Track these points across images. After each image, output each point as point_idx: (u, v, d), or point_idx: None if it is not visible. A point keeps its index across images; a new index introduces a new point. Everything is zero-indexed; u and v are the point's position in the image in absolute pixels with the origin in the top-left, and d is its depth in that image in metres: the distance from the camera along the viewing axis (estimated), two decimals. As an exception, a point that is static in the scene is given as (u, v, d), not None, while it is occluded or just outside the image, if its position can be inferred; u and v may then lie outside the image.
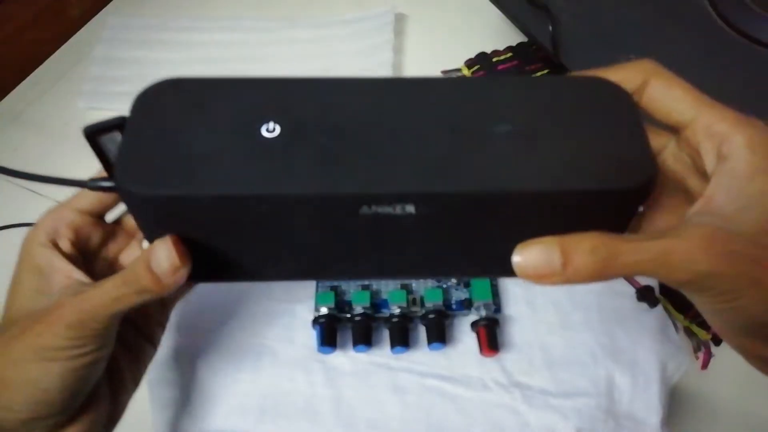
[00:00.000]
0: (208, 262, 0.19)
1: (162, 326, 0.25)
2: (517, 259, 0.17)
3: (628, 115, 0.18)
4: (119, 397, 0.23)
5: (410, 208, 0.17)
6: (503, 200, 0.17)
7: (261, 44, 0.47)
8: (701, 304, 0.18)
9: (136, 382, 0.24)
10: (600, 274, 0.16)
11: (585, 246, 0.16)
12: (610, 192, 0.17)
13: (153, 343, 0.25)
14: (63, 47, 0.48)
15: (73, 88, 0.43)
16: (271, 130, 0.18)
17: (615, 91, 0.19)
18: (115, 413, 0.23)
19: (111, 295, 0.19)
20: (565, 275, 0.17)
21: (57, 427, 0.20)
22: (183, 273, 0.18)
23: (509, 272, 0.18)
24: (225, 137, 0.18)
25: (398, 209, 0.17)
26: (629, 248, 0.16)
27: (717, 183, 0.17)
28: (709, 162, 0.18)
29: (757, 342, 0.19)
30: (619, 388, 0.28)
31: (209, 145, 0.18)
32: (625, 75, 0.19)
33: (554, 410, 0.28)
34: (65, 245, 0.21)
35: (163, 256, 0.18)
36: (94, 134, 0.18)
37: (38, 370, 0.19)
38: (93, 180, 0.19)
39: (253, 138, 0.18)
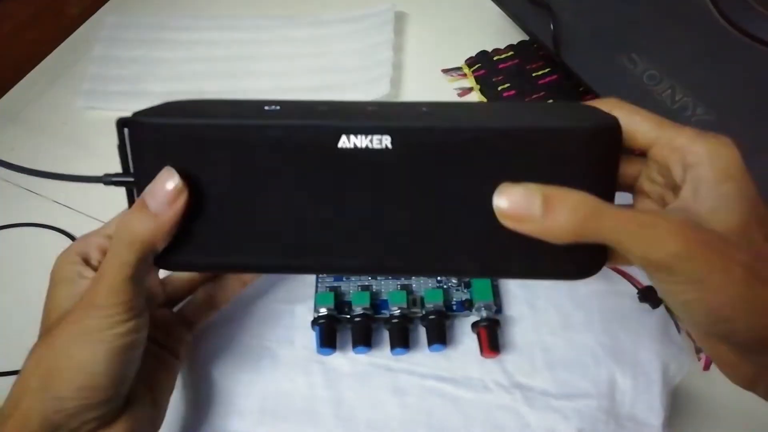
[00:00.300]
0: (189, 238, 0.20)
1: (186, 344, 0.27)
2: (497, 197, 0.18)
3: (595, 110, 0.20)
4: (158, 399, 0.25)
5: (387, 141, 0.18)
6: (474, 138, 0.18)
7: (260, 43, 0.47)
8: (670, 293, 0.18)
9: (170, 389, 0.26)
10: (578, 231, 0.17)
11: (568, 200, 0.17)
12: (574, 131, 0.18)
13: (179, 358, 0.27)
14: (61, 46, 0.47)
15: (72, 88, 0.43)
16: (272, 108, 0.20)
17: (583, 104, 0.22)
18: (156, 415, 0.24)
19: (115, 262, 0.20)
20: (542, 224, 0.17)
21: (106, 422, 0.21)
22: (182, 201, 0.19)
23: (487, 262, 0.19)
24: (231, 109, 0.20)
25: (375, 142, 0.18)
26: (612, 213, 0.17)
27: (687, 188, 0.18)
28: (677, 173, 0.19)
29: (724, 345, 0.19)
30: (620, 389, 0.28)
31: (215, 111, 0.20)
32: None
33: (555, 411, 0.28)
34: (95, 257, 0.23)
35: (162, 181, 0.19)
36: (124, 125, 0.20)
37: (84, 353, 0.20)
38: (108, 175, 0.20)
39: (255, 110, 0.20)
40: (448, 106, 0.21)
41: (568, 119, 0.19)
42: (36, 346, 0.21)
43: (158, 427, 0.24)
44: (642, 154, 0.20)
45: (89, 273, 0.22)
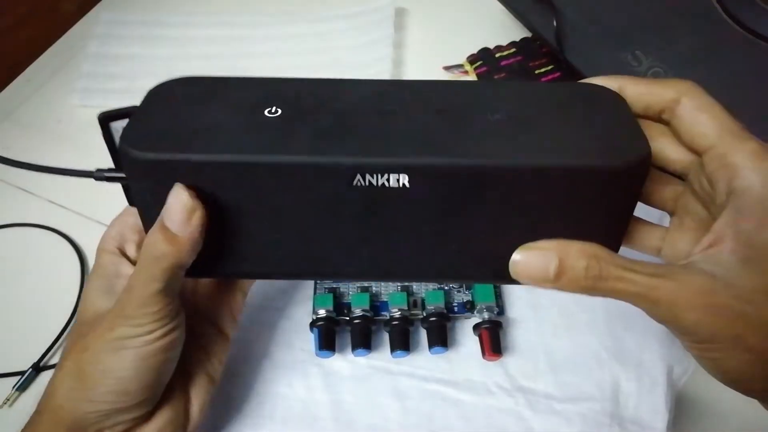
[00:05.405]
0: (206, 250, 0.19)
1: (232, 314, 0.25)
2: (516, 257, 0.18)
3: (621, 112, 0.19)
4: (191, 392, 0.24)
5: (404, 180, 0.17)
6: (497, 175, 0.18)
7: (259, 39, 0.46)
8: (681, 342, 0.18)
9: (210, 378, 0.24)
10: (587, 291, 0.17)
11: (581, 263, 0.17)
12: (605, 170, 0.17)
13: (223, 333, 0.25)
14: (56, 43, 0.47)
15: (67, 85, 0.43)
16: (273, 112, 0.18)
17: (609, 94, 0.20)
18: (188, 409, 0.23)
19: (143, 278, 0.19)
20: (554, 284, 0.17)
21: (137, 423, 0.21)
22: (198, 218, 0.18)
23: (500, 276, 0.19)
24: (227, 116, 0.18)
25: (392, 180, 0.17)
26: (619, 275, 0.17)
27: (725, 222, 0.17)
28: (719, 194, 0.18)
29: (740, 392, 0.19)
30: (624, 392, 0.28)
31: (212, 121, 0.18)
32: (660, 90, 0.19)
33: (558, 415, 0.27)
34: (131, 250, 0.23)
35: (174, 203, 0.18)
36: (107, 120, 0.19)
37: (112, 360, 0.20)
38: (99, 170, 0.20)
39: (254, 117, 0.18)
40: (460, 108, 0.19)
41: (591, 144, 0.18)
42: (72, 345, 0.21)
43: (196, 420, 0.24)
44: (698, 153, 0.19)
45: (125, 268, 0.22)
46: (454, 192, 0.18)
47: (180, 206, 0.18)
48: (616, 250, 0.20)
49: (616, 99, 0.19)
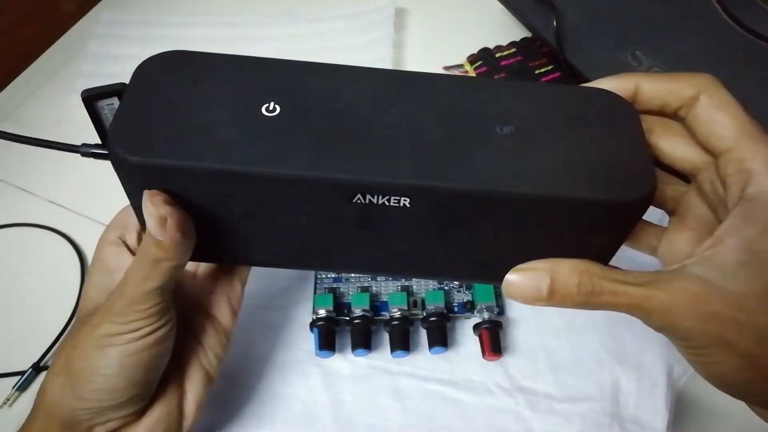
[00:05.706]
0: (203, 239, 0.19)
1: (230, 304, 0.25)
2: (510, 278, 0.18)
3: (632, 131, 0.18)
4: (186, 387, 0.23)
5: (405, 201, 0.17)
6: (502, 201, 0.17)
7: (259, 39, 0.46)
8: (676, 347, 0.18)
9: (207, 373, 0.24)
10: (581, 306, 0.18)
11: (573, 280, 0.17)
12: (606, 204, 0.17)
13: (221, 326, 0.24)
14: (56, 43, 0.47)
15: (67, 85, 0.43)
16: (271, 110, 0.17)
17: (624, 107, 0.19)
18: (183, 405, 0.23)
19: (138, 276, 0.19)
20: (548, 302, 0.18)
21: (129, 420, 0.21)
22: (172, 224, 0.17)
23: (496, 279, 0.19)
24: (223, 112, 0.17)
25: (392, 201, 0.17)
26: (612, 289, 0.17)
27: (730, 226, 0.17)
28: (731, 198, 0.17)
29: (734, 396, 0.19)
30: (624, 393, 0.28)
31: (206, 117, 0.17)
32: (678, 86, 0.19)
33: (558, 415, 0.27)
34: (132, 240, 0.23)
35: (146, 212, 0.18)
36: (92, 99, 0.18)
37: (97, 357, 0.20)
38: (86, 145, 0.19)
39: (252, 115, 0.17)
40: (468, 116, 0.18)
41: (597, 172, 0.17)
42: (67, 341, 0.21)
43: (192, 416, 0.23)
44: (713, 154, 0.18)
45: (126, 260, 0.22)
46: (456, 213, 0.18)
47: (150, 215, 0.17)
48: (607, 261, 0.20)
49: (629, 114, 0.19)
